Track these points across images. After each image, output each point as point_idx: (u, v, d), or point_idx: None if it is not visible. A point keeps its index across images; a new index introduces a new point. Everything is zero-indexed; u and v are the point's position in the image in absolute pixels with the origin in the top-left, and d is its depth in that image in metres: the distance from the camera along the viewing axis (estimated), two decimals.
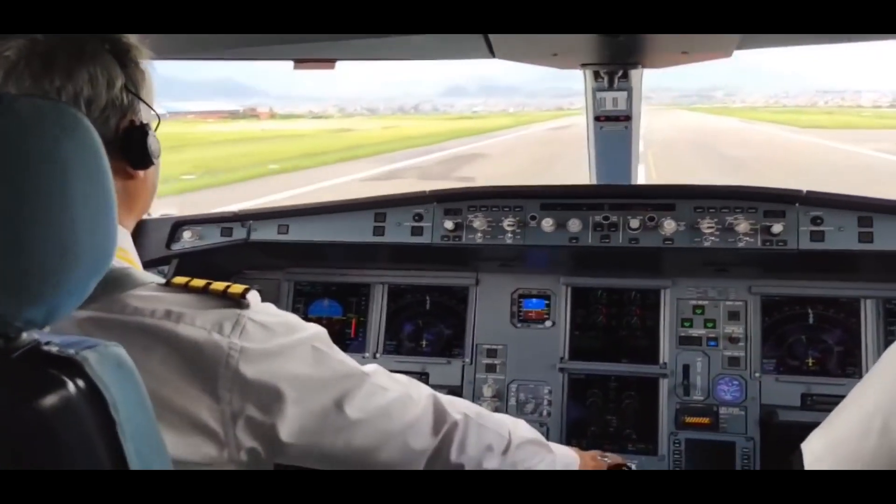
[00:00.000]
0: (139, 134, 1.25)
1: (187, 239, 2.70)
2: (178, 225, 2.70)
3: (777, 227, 2.34)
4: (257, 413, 1.15)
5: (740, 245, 2.38)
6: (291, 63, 2.27)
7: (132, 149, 1.25)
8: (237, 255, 2.78)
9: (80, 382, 0.89)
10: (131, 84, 1.24)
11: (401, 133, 45.44)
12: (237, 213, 2.74)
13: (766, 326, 2.60)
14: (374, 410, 1.29)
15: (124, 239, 1.28)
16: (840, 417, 1.27)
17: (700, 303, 2.64)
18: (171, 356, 1.11)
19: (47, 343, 0.92)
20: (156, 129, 1.30)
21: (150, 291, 1.16)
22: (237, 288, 1.18)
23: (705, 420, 2.54)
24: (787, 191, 2.39)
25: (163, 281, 1.19)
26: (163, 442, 1.00)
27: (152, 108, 1.30)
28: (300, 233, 2.67)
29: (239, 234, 2.71)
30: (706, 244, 2.40)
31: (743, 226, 2.37)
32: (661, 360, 2.61)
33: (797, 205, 2.37)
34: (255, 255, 2.82)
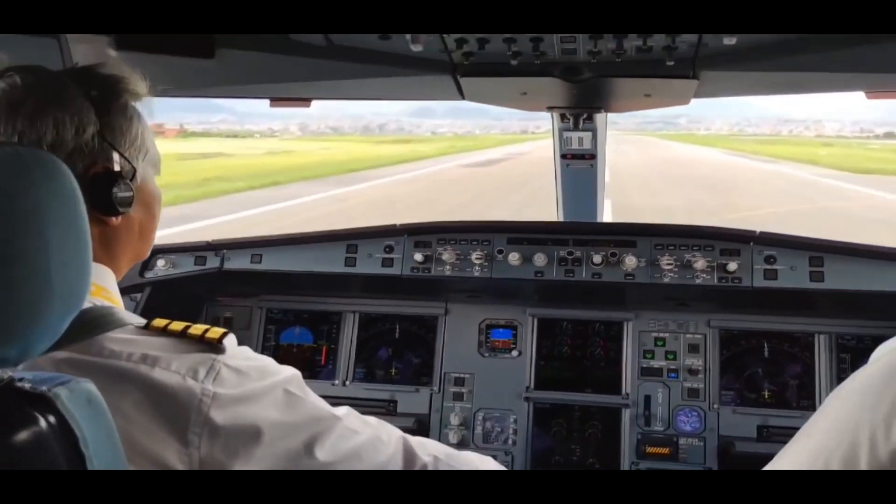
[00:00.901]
0: (103, 182, 1.24)
1: (161, 267, 2.73)
2: (153, 253, 2.73)
3: (732, 265, 2.44)
4: (224, 458, 1.14)
5: (698, 281, 2.47)
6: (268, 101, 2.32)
7: (96, 196, 1.23)
8: (210, 283, 2.81)
9: (52, 419, 0.91)
10: (108, 131, 1.25)
11: (329, 157, 41.51)
12: (211, 242, 2.78)
13: (724, 359, 2.69)
14: (344, 453, 1.28)
15: (107, 279, 1.30)
16: (786, 457, 1.30)
17: (661, 335, 2.72)
18: (145, 400, 1.11)
19: (20, 380, 0.94)
20: (132, 178, 1.29)
21: (128, 334, 1.16)
22: (215, 332, 1.18)
23: (665, 450, 2.61)
24: (742, 231, 2.50)
25: (143, 323, 1.20)
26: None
27: (127, 160, 1.29)
28: (273, 262, 2.72)
29: (212, 262, 2.75)
30: (665, 280, 2.49)
31: (700, 263, 2.46)
32: (623, 391, 2.69)
33: (751, 244, 2.47)
34: (228, 283, 2.86)
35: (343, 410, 1.35)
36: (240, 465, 1.16)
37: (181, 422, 1.11)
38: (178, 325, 1.19)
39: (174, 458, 1.12)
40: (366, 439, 1.33)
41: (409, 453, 1.41)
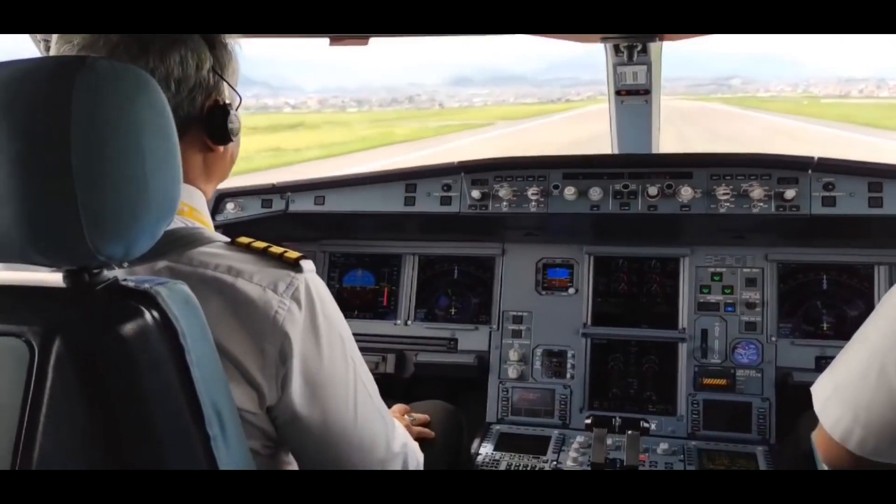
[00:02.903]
0: (221, 113, 1.35)
1: (230, 210, 2.86)
2: (222, 197, 2.86)
3: (790, 193, 2.44)
4: (284, 370, 1.24)
5: (754, 211, 2.48)
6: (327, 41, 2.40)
7: (214, 126, 1.35)
8: (275, 227, 2.93)
9: (155, 313, 1.01)
10: (218, 66, 1.35)
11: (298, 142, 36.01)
12: (276, 185, 2.89)
13: (782, 292, 2.69)
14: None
15: (200, 202, 1.40)
16: (842, 360, 1.33)
17: (718, 270, 2.74)
18: (228, 307, 1.19)
19: (125, 280, 1.04)
20: (237, 108, 1.40)
21: (216, 249, 1.25)
22: (292, 254, 1.27)
23: (723, 381, 2.64)
24: (800, 157, 2.48)
25: (228, 240, 1.29)
26: (222, 370, 1.12)
27: (235, 90, 1.40)
28: (335, 204, 2.82)
29: (278, 205, 2.86)
30: (722, 210, 2.50)
31: (757, 192, 2.46)
32: (680, 326, 2.72)
33: (809, 171, 2.46)
34: (292, 227, 2.98)
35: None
36: (293, 383, 1.25)
37: (259, 331, 1.20)
38: (260, 244, 1.28)
39: (253, 367, 1.21)
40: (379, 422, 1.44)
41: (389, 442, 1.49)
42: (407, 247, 3.02)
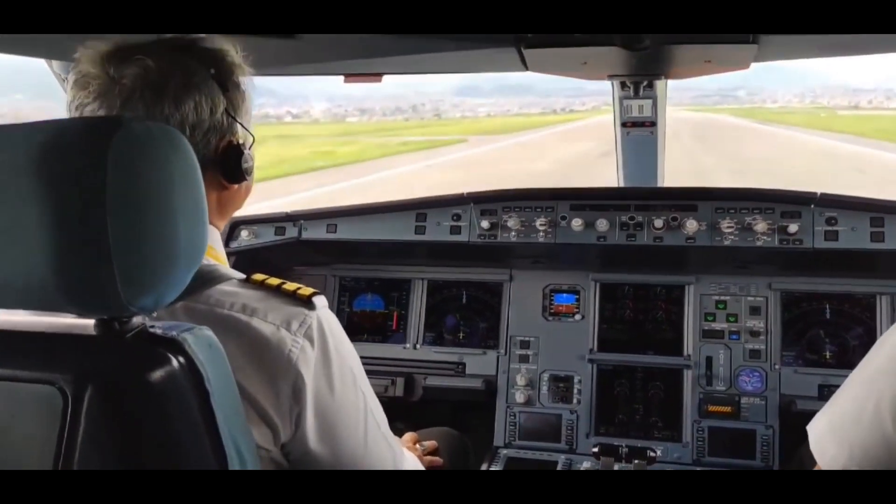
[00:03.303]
0: (235, 153, 1.39)
1: (244, 238, 2.93)
2: (237, 224, 2.93)
3: (793, 227, 2.49)
4: (298, 408, 1.26)
5: (758, 244, 2.52)
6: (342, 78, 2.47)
7: (229, 166, 1.39)
8: (288, 253, 2.99)
9: (182, 359, 1.05)
10: (231, 108, 1.38)
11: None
12: (289, 213, 2.95)
13: (785, 321, 2.73)
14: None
15: (215, 239, 1.44)
16: (838, 400, 1.35)
17: (722, 298, 2.78)
18: (243, 346, 1.21)
19: (152, 326, 1.08)
20: (251, 147, 1.44)
21: (231, 287, 1.27)
22: (306, 290, 1.29)
23: (727, 409, 2.68)
24: (803, 193, 2.53)
25: (243, 277, 1.31)
26: (242, 410, 1.16)
27: (248, 130, 1.44)
28: (348, 232, 2.88)
29: (291, 233, 2.92)
30: (726, 243, 2.55)
31: (761, 225, 2.51)
32: (685, 353, 2.76)
33: (812, 206, 2.51)
34: (304, 253, 3.04)
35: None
36: (307, 419, 1.28)
37: (273, 370, 1.23)
38: (274, 281, 1.31)
39: (268, 405, 1.24)
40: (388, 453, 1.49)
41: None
42: (416, 272, 3.08)
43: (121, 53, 1.30)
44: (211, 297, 1.26)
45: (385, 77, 2.49)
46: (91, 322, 1.08)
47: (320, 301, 1.31)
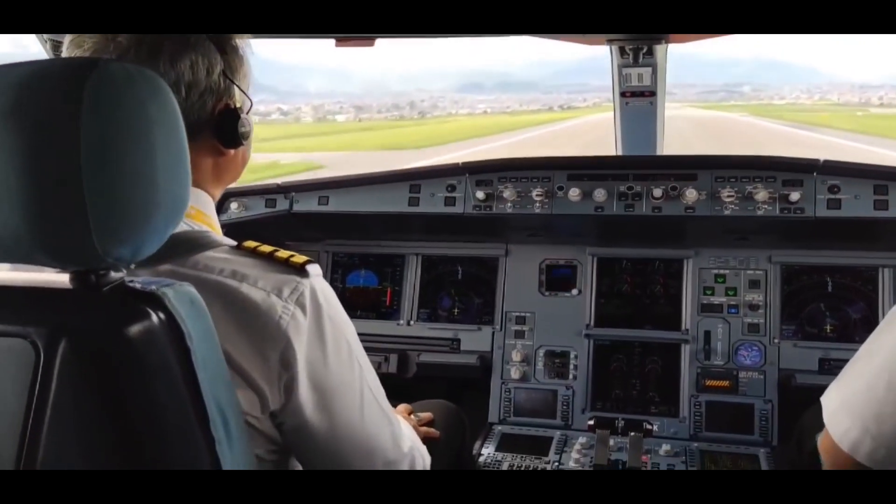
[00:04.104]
0: (231, 116, 1.35)
1: (234, 210, 2.86)
2: (226, 196, 2.86)
3: (795, 195, 2.44)
4: (287, 373, 1.23)
5: (759, 213, 2.48)
6: (333, 42, 2.40)
7: (225, 129, 1.35)
8: (279, 227, 2.93)
9: (161, 314, 1.00)
10: (229, 70, 1.35)
11: None
12: (280, 184, 2.89)
13: (785, 294, 2.70)
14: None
15: (208, 206, 1.40)
16: (849, 373, 1.35)
17: (721, 272, 2.74)
18: (231, 312, 1.18)
19: (131, 281, 1.04)
20: (248, 111, 1.40)
21: (221, 253, 1.24)
22: (299, 258, 1.26)
23: (725, 383, 2.64)
24: (805, 160, 2.48)
25: (234, 244, 1.28)
26: (227, 373, 1.12)
27: (245, 94, 1.40)
28: (340, 204, 2.82)
29: (282, 205, 2.86)
30: (726, 212, 2.50)
31: (762, 194, 2.46)
32: (683, 327, 2.72)
33: (815, 174, 2.46)
34: (296, 227, 2.98)
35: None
36: (300, 388, 1.24)
37: (262, 337, 1.20)
38: (266, 248, 1.27)
39: (256, 373, 1.20)
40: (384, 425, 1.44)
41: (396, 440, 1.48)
42: (410, 247, 3.03)
43: None
44: (199, 263, 1.22)
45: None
46: (68, 276, 1.04)
47: (314, 269, 1.28)
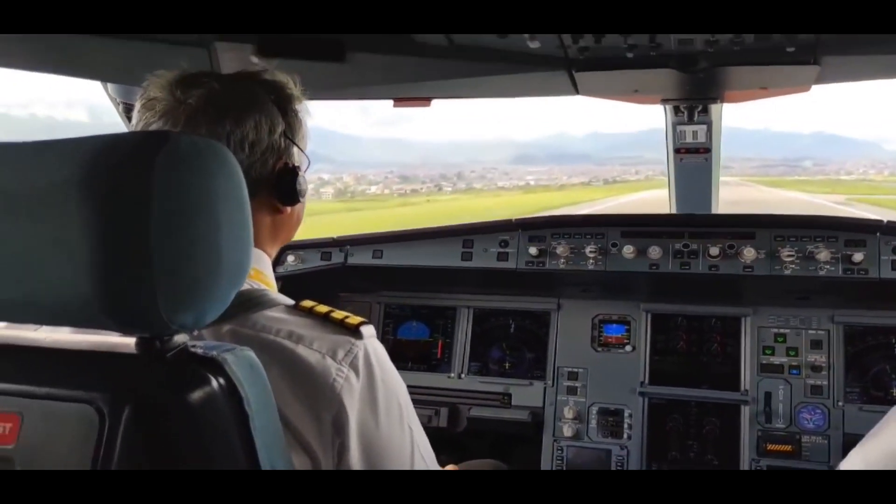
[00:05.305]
0: (290, 175, 1.40)
1: (290, 262, 2.92)
2: (283, 249, 2.92)
3: (858, 256, 2.37)
4: (341, 437, 1.23)
5: (821, 273, 2.41)
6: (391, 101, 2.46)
7: (283, 187, 1.40)
8: (334, 279, 2.97)
9: (221, 380, 1.01)
10: (289, 131, 1.41)
11: None
12: (336, 238, 2.95)
13: (849, 356, 2.60)
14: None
15: (265, 264, 1.43)
16: (875, 439, 1.28)
17: (782, 331, 2.67)
18: (287, 373, 1.19)
19: (193, 346, 1.05)
20: (306, 171, 1.45)
21: (278, 313, 1.25)
22: (354, 319, 1.27)
23: (788, 448, 2.55)
24: (868, 220, 2.43)
25: (292, 303, 1.29)
26: (283, 437, 1.12)
27: (304, 153, 1.45)
28: (393, 258, 2.85)
29: (337, 258, 2.91)
30: (787, 272, 2.44)
31: (824, 254, 2.40)
32: (742, 387, 2.65)
33: (878, 234, 2.39)
34: (349, 279, 3.02)
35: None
36: (351, 452, 1.24)
37: (316, 399, 1.20)
38: (322, 308, 1.28)
39: (310, 434, 1.20)
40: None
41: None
42: (462, 300, 3.03)
43: (188, 79, 1.34)
44: (258, 323, 1.24)
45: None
46: (133, 341, 1.05)
47: (368, 330, 1.28)
